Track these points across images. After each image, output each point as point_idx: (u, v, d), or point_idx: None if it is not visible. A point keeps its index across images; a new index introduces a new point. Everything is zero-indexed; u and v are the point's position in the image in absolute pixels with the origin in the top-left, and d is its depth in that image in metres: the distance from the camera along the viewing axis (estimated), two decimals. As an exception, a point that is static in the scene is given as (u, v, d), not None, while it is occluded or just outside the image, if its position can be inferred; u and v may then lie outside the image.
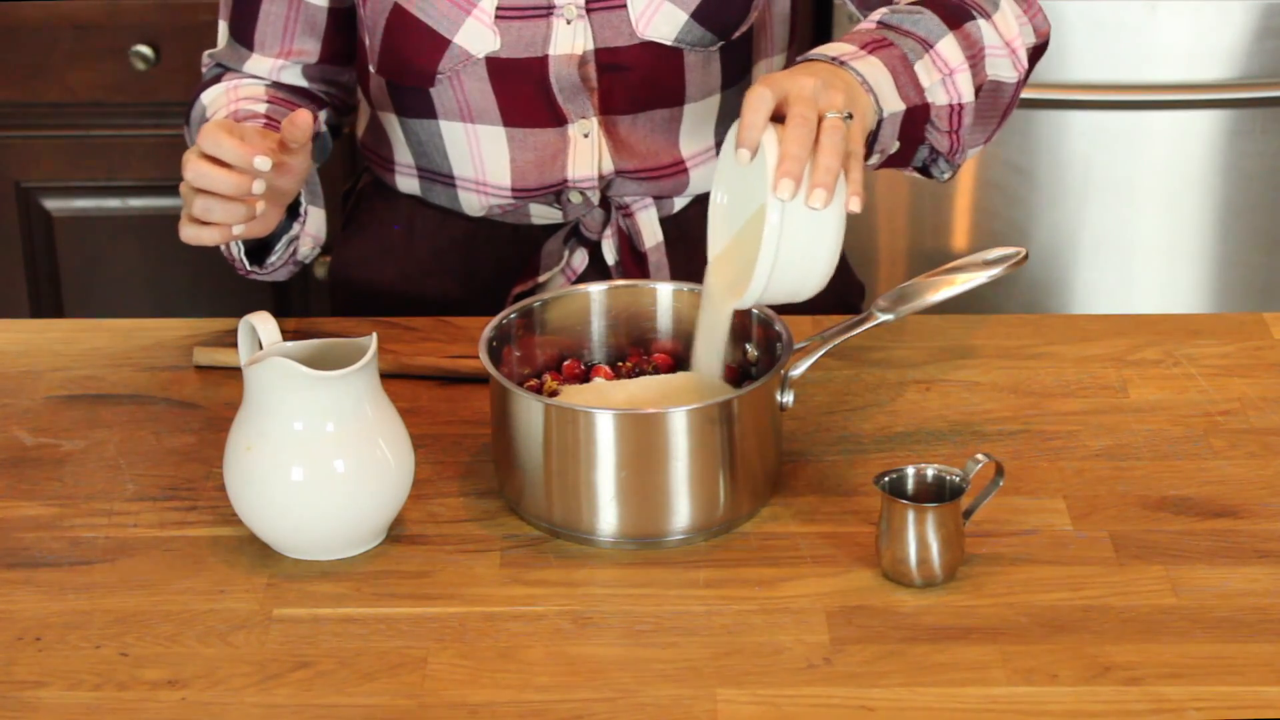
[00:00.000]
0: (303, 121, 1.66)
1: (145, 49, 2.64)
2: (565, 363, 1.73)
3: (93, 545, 1.60)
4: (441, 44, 1.88)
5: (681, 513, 1.58)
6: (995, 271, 1.69)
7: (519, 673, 1.46)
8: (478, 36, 1.87)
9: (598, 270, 1.99)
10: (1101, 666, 1.46)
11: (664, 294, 1.73)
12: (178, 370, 1.84)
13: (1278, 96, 2.68)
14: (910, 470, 1.56)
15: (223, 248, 1.81)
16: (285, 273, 1.88)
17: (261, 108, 1.88)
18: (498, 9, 1.87)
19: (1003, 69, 1.76)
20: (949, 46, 1.71)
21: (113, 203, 2.74)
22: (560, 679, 1.45)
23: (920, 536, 1.52)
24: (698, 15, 1.88)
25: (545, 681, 1.45)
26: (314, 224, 1.86)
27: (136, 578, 1.56)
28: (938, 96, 1.70)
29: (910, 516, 1.52)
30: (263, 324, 1.55)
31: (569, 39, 1.88)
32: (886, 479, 1.54)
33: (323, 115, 1.96)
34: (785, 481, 1.67)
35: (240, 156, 1.63)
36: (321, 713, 1.42)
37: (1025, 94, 2.61)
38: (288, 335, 1.57)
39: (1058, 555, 1.58)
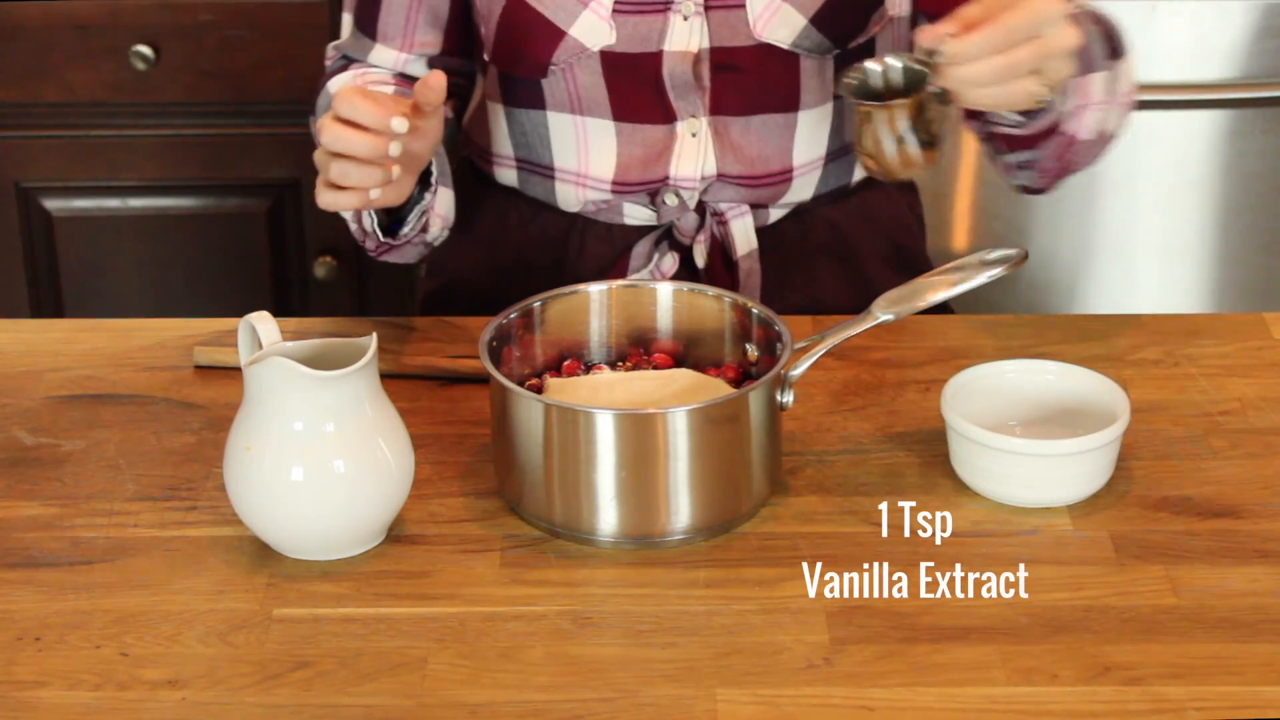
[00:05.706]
0: (436, 83, 1.64)
1: (145, 49, 2.63)
2: (565, 363, 1.73)
3: (93, 545, 1.60)
4: (557, 36, 1.88)
5: (681, 513, 1.58)
6: (995, 271, 1.68)
7: (519, 673, 1.46)
8: (594, 30, 1.87)
9: (687, 275, 1.97)
10: (1101, 666, 1.45)
11: (664, 294, 1.73)
12: (178, 370, 1.84)
13: (1278, 96, 2.67)
14: (875, 68, 1.59)
15: (353, 226, 1.81)
16: (415, 253, 1.88)
17: (389, 89, 1.88)
18: (615, 2, 1.87)
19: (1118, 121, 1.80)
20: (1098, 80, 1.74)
21: (113, 203, 2.74)
22: (560, 679, 1.45)
23: (893, 133, 1.54)
24: (816, 20, 1.87)
25: (545, 681, 1.45)
26: (443, 204, 1.86)
27: (136, 578, 1.56)
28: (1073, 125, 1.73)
29: (881, 116, 1.55)
30: (263, 324, 1.54)
31: (685, 36, 1.88)
32: (854, 80, 1.56)
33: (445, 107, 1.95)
34: (785, 481, 1.67)
35: (376, 119, 1.62)
36: (321, 713, 1.42)
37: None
38: (288, 335, 1.57)
39: (1058, 555, 1.58)
